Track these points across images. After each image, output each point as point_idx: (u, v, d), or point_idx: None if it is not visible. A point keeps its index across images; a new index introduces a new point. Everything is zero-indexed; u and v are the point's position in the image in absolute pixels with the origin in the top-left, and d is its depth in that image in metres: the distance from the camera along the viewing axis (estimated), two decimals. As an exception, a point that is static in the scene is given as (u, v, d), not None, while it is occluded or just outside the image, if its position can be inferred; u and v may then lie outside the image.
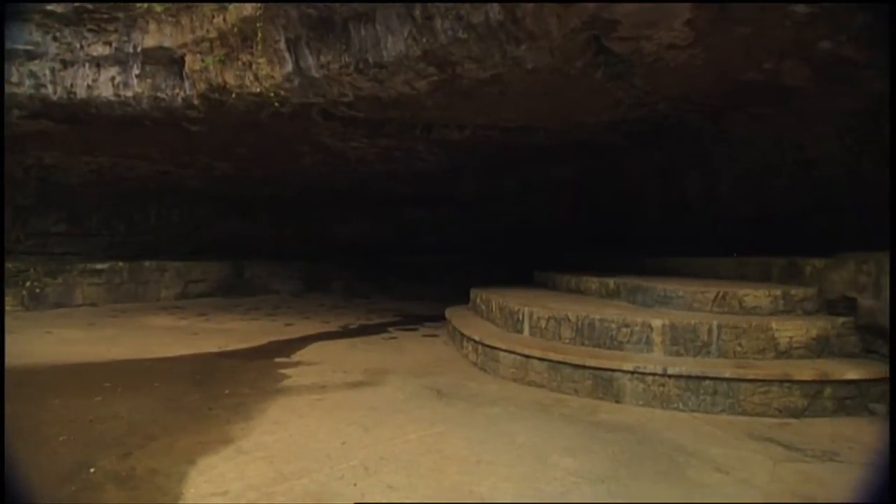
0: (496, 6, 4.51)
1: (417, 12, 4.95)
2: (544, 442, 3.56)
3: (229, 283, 13.70)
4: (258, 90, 6.30)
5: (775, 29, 4.41)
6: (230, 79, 6.32)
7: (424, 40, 5.08)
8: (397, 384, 5.05)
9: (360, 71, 5.70)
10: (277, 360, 6.19)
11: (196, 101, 6.78)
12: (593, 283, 6.61)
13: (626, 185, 10.46)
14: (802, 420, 3.99)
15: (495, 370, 5.34)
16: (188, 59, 6.43)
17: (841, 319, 4.57)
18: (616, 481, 3.00)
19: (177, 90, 6.76)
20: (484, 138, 7.91)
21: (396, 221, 14.92)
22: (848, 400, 4.09)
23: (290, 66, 6.00)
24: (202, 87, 6.54)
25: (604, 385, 4.50)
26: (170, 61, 6.62)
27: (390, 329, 8.54)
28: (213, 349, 6.75)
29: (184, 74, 6.64)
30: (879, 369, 4.14)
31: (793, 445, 3.52)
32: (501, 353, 5.28)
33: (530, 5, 4.38)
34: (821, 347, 4.48)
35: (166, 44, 6.41)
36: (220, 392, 4.78)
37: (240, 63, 6.19)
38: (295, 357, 6.35)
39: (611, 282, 6.19)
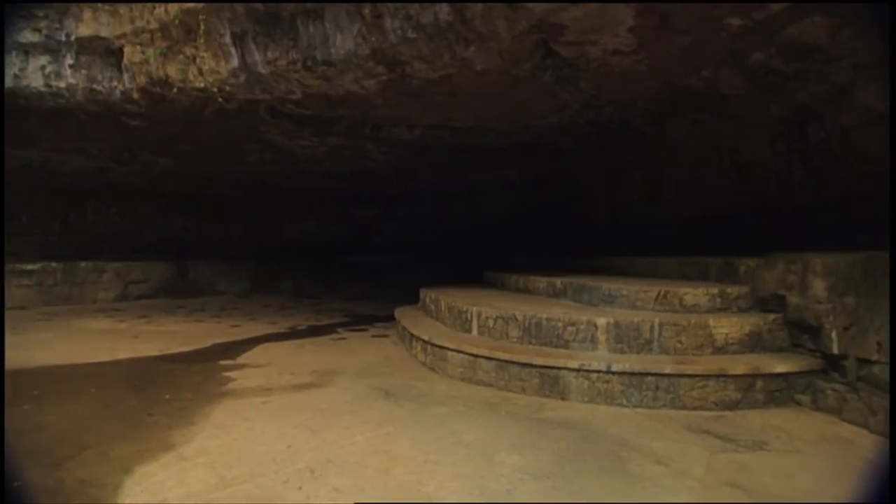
0: (445, 6, 4.52)
1: (367, 10, 4.90)
2: (491, 440, 3.60)
3: (173, 283, 13.23)
4: (202, 85, 6.10)
5: (712, 39, 4.61)
6: (172, 72, 6.09)
7: (374, 39, 5.04)
8: (345, 385, 5.00)
9: (308, 68, 5.60)
10: (222, 362, 6.02)
11: (136, 95, 6.49)
12: (541, 282, 6.73)
13: (575, 187, 10.69)
14: (736, 412, 4.19)
15: (444, 370, 5.37)
16: (127, 50, 6.16)
17: (772, 316, 4.81)
18: (561, 477, 3.06)
19: (115, 83, 6.46)
20: (434, 139, 7.92)
21: (347, 221, 14.77)
22: (777, 392, 4.32)
23: (235, 62, 5.83)
24: (142, 80, 6.27)
25: (550, 383, 4.58)
26: (107, 52, 6.31)
27: (339, 330, 8.45)
28: (154, 352, 6.50)
29: (122, 66, 6.34)
30: (805, 362, 4.40)
31: (727, 437, 3.69)
32: (450, 353, 5.30)
33: (479, 7, 4.41)
34: (753, 343, 4.70)
35: (103, 33, 6.11)
36: (161, 397, 4.61)
37: (183, 56, 5.97)
38: (240, 359, 6.19)
39: (558, 281, 6.32)
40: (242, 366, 5.85)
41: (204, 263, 13.88)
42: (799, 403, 4.31)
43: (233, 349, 6.79)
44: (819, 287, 4.44)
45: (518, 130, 7.58)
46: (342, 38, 5.24)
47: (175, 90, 6.21)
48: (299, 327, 8.73)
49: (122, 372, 5.57)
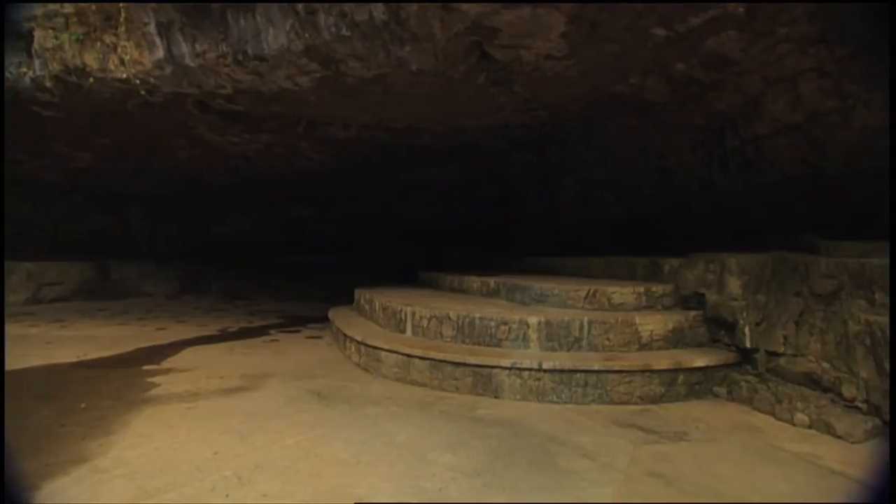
0: (380, 6, 4.49)
1: (300, 6, 4.80)
2: (424, 440, 3.61)
3: (93, 285, 12.45)
4: (124, 76, 5.78)
5: (639, 48, 4.80)
6: (90, 61, 5.74)
7: (307, 35, 4.93)
8: (276, 388, 4.88)
9: (238, 62, 5.42)
10: (146, 367, 5.74)
11: (48, 84, 6.07)
12: (475, 282, 6.82)
13: (510, 188, 10.87)
14: (660, 405, 4.38)
15: (378, 370, 5.34)
16: (38, 34, 5.73)
17: (693, 313, 5.07)
18: (492, 474, 3.11)
19: (24, 69, 6.00)
20: (369, 138, 7.84)
21: (281, 220, 14.36)
22: (697, 385, 4.55)
23: (161, 53, 5.56)
24: (56, 67, 5.86)
25: (483, 381, 4.65)
26: (14, 35, 5.86)
27: (272, 331, 8.24)
28: (70, 359, 6.11)
29: (33, 52, 5.91)
30: (722, 356, 4.68)
31: (651, 429, 3.85)
32: (384, 353, 5.28)
33: (414, 7, 4.41)
34: (676, 339, 4.94)
35: (9, 15, 5.68)
36: (76, 406, 4.34)
37: (101, 44, 5.63)
38: (166, 364, 5.92)
39: (491, 281, 6.42)
40: (168, 370, 5.60)
41: (128, 263, 13.14)
42: (716, 395, 4.56)
43: (158, 353, 6.49)
44: (734, 285, 4.71)
45: (454, 131, 7.62)
46: (274, 33, 5.10)
47: (93, 80, 5.85)
48: (230, 329, 8.45)
49: (33, 381, 5.20)
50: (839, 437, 3.58)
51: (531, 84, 5.70)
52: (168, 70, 5.69)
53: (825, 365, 4.03)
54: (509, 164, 9.58)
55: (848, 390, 3.78)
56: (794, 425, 3.86)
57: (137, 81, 5.79)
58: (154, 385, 5.00)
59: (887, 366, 3.51)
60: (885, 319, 3.58)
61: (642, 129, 6.70)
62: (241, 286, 13.79)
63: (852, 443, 3.50)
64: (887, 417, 3.50)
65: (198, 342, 7.27)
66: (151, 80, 5.84)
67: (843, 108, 4.45)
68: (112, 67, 5.75)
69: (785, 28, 4.11)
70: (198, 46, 5.45)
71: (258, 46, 5.22)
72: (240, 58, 5.37)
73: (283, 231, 14.59)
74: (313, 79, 5.63)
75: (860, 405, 3.70)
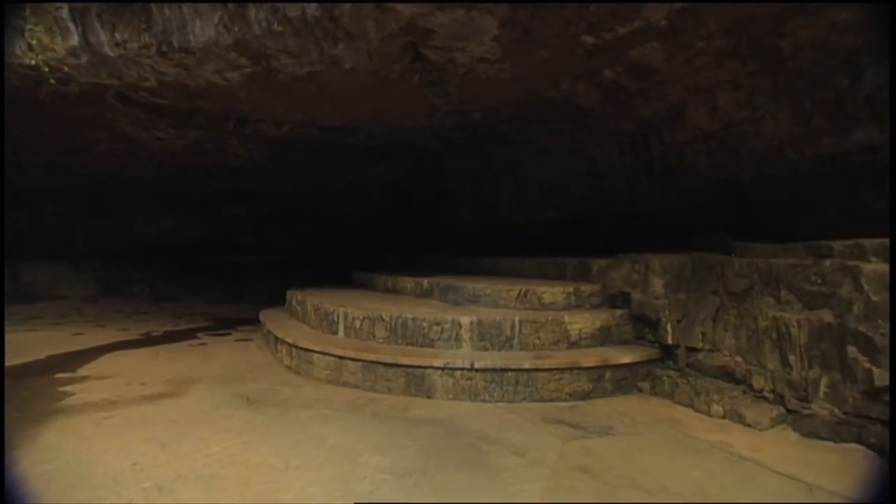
0: (314, 3, 4.41)
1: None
2: (355, 442, 3.58)
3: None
4: (33, 62, 5.37)
5: (570, 55, 4.93)
6: (-7, 45, 5.32)
7: (237, 29, 4.76)
8: (203, 394, 4.71)
9: (163, 54, 5.16)
10: (59, 376, 5.39)
11: (-60, 67, 5.58)
12: (409, 283, 6.83)
13: (445, 189, 10.94)
14: (588, 401, 4.52)
15: (310, 373, 5.24)
16: (-69, 14, 5.28)
17: (619, 311, 5.26)
18: (423, 474, 3.11)
19: (-87, 51, 5.49)
20: (303, 136, 7.68)
21: (210, 219, 13.81)
22: (622, 381, 4.74)
23: (75, 40, 5.21)
24: (-49, 50, 5.41)
25: (416, 382, 4.65)
26: None
27: (200, 335, 7.94)
28: (-28, 368, 5.66)
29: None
30: (646, 353, 4.88)
31: (578, 425, 3.97)
32: (316, 356, 5.20)
33: (348, 5, 4.35)
34: (604, 337, 5.11)
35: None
36: (-25, 419, 4.02)
37: (7, 28, 5.24)
38: (82, 371, 5.58)
39: (425, 281, 6.44)
40: (84, 378, 5.29)
41: (42, 264, 12.32)
42: (640, 390, 4.76)
43: (73, 360, 6.11)
44: (657, 285, 4.94)
45: (389, 131, 7.58)
46: (202, 25, 4.89)
47: (-7, 65, 5.42)
48: (154, 333, 8.06)
49: (-73, 392, 4.78)
50: (749, 425, 3.82)
51: (465, 86, 5.75)
52: (84, 59, 5.34)
53: (738, 359, 4.29)
54: (445, 165, 9.64)
55: (757, 381, 4.04)
56: (711, 416, 4.08)
57: (47, 69, 5.40)
58: (67, 394, 4.71)
59: (791, 358, 3.79)
60: (789, 315, 3.86)
61: (574, 133, 6.89)
62: (168, 288, 13.19)
63: (760, 430, 3.75)
64: (790, 405, 3.78)
65: (119, 347, 6.91)
66: (65, 68, 5.46)
67: (754, 118, 4.76)
68: (19, 53, 5.33)
69: (703, 42, 4.34)
70: (118, 35, 5.15)
71: (184, 38, 4.99)
72: (164, 49, 5.12)
73: (213, 230, 14.03)
74: (243, 74, 5.44)
75: (767, 395, 3.97)
